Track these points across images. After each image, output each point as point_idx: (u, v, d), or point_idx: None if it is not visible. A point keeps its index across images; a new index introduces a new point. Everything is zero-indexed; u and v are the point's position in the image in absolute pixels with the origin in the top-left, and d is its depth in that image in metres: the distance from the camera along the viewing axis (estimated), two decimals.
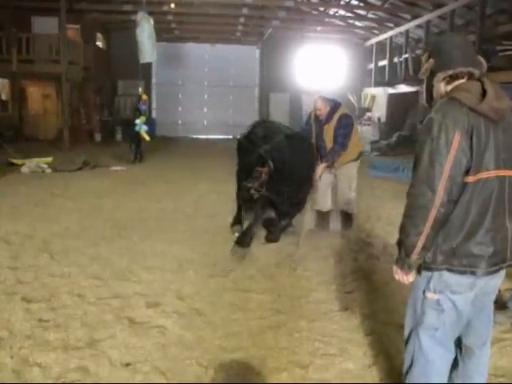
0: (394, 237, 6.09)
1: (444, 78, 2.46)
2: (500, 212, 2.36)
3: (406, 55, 19.43)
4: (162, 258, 5.62)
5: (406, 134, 18.96)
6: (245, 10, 19.20)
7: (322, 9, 22.51)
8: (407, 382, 2.67)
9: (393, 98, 20.28)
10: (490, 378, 3.29)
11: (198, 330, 3.84)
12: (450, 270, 2.38)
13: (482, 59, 2.53)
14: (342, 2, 20.67)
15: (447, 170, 2.26)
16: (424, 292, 2.51)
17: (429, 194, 2.29)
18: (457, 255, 2.35)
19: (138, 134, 13.75)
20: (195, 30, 23.49)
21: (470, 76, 2.44)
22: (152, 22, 11.98)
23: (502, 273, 2.48)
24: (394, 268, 2.53)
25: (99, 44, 22.82)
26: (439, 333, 2.51)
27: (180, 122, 25.57)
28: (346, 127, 6.37)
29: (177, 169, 13.09)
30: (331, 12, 22.34)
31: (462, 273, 2.37)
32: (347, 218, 6.81)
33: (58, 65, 17.00)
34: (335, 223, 6.83)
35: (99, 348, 3.52)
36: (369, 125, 20.81)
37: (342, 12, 21.99)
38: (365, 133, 19.12)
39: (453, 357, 2.61)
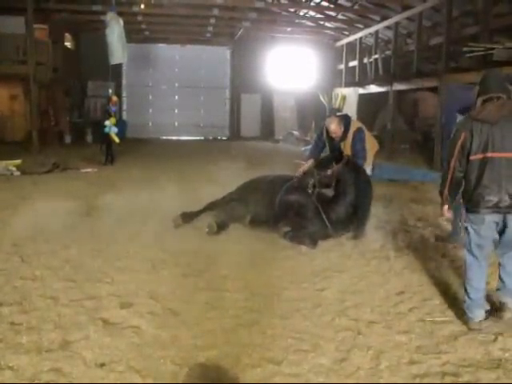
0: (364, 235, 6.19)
1: (482, 100, 3.99)
2: (494, 177, 3.81)
3: (376, 56, 19.67)
4: (135, 259, 5.62)
5: (375, 134, 19.18)
6: (215, 11, 19.17)
7: (292, 10, 22.63)
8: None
9: (363, 99, 20.51)
10: (458, 369, 3.40)
11: (172, 330, 3.87)
12: (468, 210, 4.01)
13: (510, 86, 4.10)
14: (312, 4, 20.83)
15: (456, 154, 3.94)
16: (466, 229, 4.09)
17: (447, 167, 4.02)
18: (470, 202, 3.95)
19: (107, 135, 13.64)
20: (165, 30, 23.37)
21: (499, 98, 3.91)
22: (122, 22, 11.92)
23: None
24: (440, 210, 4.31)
25: (68, 44, 22.50)
26: (472, 250, 4.03)
27: (151, 123, 25.39)
28: (361, 141, 6.75)
29: (148, 170, 13.02)
30: (301, 13, 22.50)
31: (473, 212, 3.95)
32: None
33: (26, 65, 16.71)
34: None
35: (73, 349, 3.53)
36: None
37: (312, 13, 22.17)
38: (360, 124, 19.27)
39: (484, 265, 4.07)
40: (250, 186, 7.33)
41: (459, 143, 3.91)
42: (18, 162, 12.61)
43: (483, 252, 4.02)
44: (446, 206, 4.19)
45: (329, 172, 6.51)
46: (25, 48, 16.78)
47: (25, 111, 19.14)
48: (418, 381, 3.27)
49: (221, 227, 6.71)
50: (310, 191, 6.42)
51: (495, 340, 3.80)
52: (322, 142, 7.12)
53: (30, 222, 7.19)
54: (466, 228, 4.05)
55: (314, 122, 22.28)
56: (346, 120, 6.86)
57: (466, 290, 4.09)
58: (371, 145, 7.08)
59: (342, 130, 6.75)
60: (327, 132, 6.90)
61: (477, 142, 3.84)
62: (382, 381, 3.27)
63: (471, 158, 3.88)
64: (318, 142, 7.18)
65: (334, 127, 6.75)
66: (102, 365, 3.34)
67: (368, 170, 7.20)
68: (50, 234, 6.62)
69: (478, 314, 4.00)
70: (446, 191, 4.09)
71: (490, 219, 3.90)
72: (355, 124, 6.95)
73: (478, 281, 4.06)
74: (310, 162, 6.97)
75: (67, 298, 4.42)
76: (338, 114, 7.20)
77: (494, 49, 11.35)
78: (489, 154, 3.82)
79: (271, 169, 11.14)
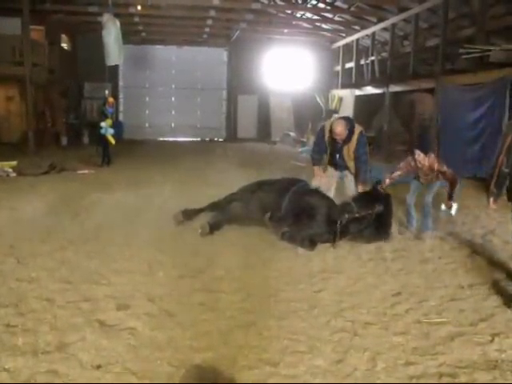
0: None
1: None
2: None
3: (373, 57, 19.70)
4: (131, 261, 5.61)
5: (372, 135, 19.21)
6: (212, 13, 19.18)
7: (289, 11, 22.65)
8: None
9: (359, 100, 20.53)
10: (455, 370, 3.41)
11: (169, 331, 3.87)
12: None
13: None
14: (309, 5, 20.84)
15: (504, 152, 4.62)
16: None
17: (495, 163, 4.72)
18: None
19: (104, 137, 13.62)
20: (162, 32, 23.36)
21: None
22: (118, 24, 11.91)
23: None
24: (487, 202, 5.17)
25: (64, 46, 22.46)
26: None
27: (147, 124, 25.37)
28: (364, 145, 6.88)
29: (145, 171, 13.01)
30: (298, 15, 22.52)
31: None
32: None
33: (22, 67, 16.67)
34: None
35: (69, 351, 3.52)
36: None
37: (308, 15, 22.19)
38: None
39: None
40: (253, 188, 7.33)
41: (507, 143, 4.62)
42: (14, 163, 12.57)
43: None
44: (491, 199, 4.95)
45: (369, 212, 6.43)
46: (21, 49, 16.73)
47: (21, 112, 19.09)
48: (414, 382, 3.28)
49: (213, 228, 6.74)
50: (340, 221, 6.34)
51: (492, 341, 3.81)
52: (323, 144, 7.11)
53: (27, 224, 7.19)
54: None
55: (311, 123, 22.30)
56: (351, 123, 6.88)
57: None
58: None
59: (347, 133, 6.77)
60: (329, 134, 6.90)
61: None
62: (378, 382, 3.28)
63: None
64: (320, 145, 7.17)
65: (341, 129, 6.75)
66: (99, 366, 3.34)
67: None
68: (47, 235, 6.60)
69: None
70: (492, 185, 4.84)
71: None
72: (359, 127, 6.99)
73: None
74: (318, 169, 7.03)
75: (63, 300, 4.41)
76: (338, 116, 7.23)
77: (490, 50, 11.39)
78: None
79: (268, 170, 11.16)
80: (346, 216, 6.29)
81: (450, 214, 6.77)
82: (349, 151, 6.86)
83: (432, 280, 5.26)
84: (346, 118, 7.06)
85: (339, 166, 7.08)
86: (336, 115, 21.99)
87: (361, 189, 6.78)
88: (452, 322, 4.19)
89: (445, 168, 6.54)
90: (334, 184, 7.26)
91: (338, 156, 7.04)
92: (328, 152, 7.15)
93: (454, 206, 6.82)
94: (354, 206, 6.41)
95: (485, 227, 7.50)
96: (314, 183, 6.88)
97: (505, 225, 7.63)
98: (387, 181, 6.65)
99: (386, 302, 4.61)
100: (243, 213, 7.05)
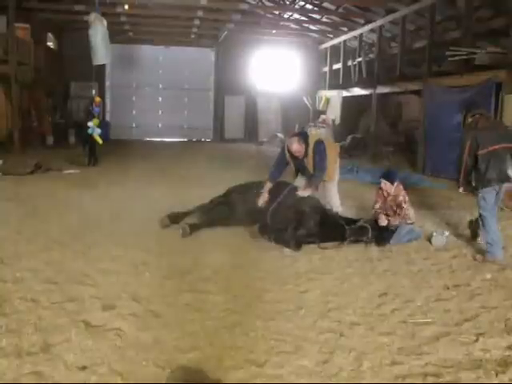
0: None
1: (470, 116, 6.19)
2: (497, 162, 5.78)
3: (360, 59, 19.79)
4: (117, 261, 5.58)
5: (359, 136, 19.31)
6: (200, 13, 19.14)
7: (276, 12, 22.71)
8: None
9: (347, 101, 20.62)
10: (440, 369, 3.43)
11: (155, 332, 3.85)
12: (482, 187, 5.92)
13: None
14: (296, 6, 20.89)
15: (467, 152, 5.90)
16: (479, 196, 6.00)
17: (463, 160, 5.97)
18: (483, 182, 5.87)
19: (91, 136, 13.53)
20: (149, 32, 23.27)
21: (481, 115, 6.16)
22: (105, 23, 11.83)
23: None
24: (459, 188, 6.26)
25: (51, 44, 22.30)
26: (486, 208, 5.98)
27: (134, 124, 25.26)
28: (320, 153, 6.81)
29: (131, 172, 12.94)
30: (286, 15, 22.58)
31: (487, 185, 5.87)
32: None
33: (7, 65, 16.52)
34: None
35: (54, 352, 3.49)
36: (323, 127, 21.04)
37: (296, 16, 22.25)
38: (321, 135, 19.35)
39: (495, 217, 6.09)
40: (240, 190, 7.35)
41: (468, 145, 5.92)
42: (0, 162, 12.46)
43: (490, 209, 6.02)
44: (461, 188, 6.24)
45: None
46: (6, 47, 16.59)
47: (6, 112, 18.88)
48: (400, 381, 3.29)
49: (194, 229, 6.77)
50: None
51: (476, 341, 3.84)
52: (284, 162, 7.11)
53: (12, 224, 7.13)
54: (483, 197, 5.97)
55: (298, 124, 22.34)
56: (304, 136, 6.91)
57: (486, 234, 6.03)
58: (333, 157, 7.14)
59: (304, 146, 6.80)
60: (290, 152, 6.93)
61: (480, 142, 5.86)
62: (364, 382, 3.29)
63: (479, 152, 5.85)
64: (280, 163, 7.14)
65: (296, 147, 6.79)
66: (84, 368, 3.31)
67: (333, 184, 7.33)
68: (31, 235, 6.55)
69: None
70: (461, 177, 6.10)
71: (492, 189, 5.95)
72: (314, 137, 7.02)
73: (494, 225, 6.02)
74: (269, 186, 6.92)
75: (48, 301, 4.37)
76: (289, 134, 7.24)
77: (476, 53, 11.50)
78: (490, 149, 5.82)
79: (256, 171, 11.16)
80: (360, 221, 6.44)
81: (443, 241, 6.65)
82: (309, 162, 6.89)
83: (417, 281, 5.29)
84: (298, 134, 7.07)
85: (307, 177, 7.10)
86: (324, 116, 22.08)
87: (301, 192, 6.73)
88: (437, 322, 4.22)
89: (404, 204, 6.50)
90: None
91: (302, 169, 7.12)
92: (294, 168, 7.23)
93: (446, 233, 6.76)
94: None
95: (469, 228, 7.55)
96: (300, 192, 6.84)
97: None
98: (380, 216, 6.56)
99: (372, 303, 4.63)
100: (230, 216, 7.07)
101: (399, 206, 6.54)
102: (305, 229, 6.45)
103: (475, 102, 7.22)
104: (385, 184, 6.67)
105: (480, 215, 6.09)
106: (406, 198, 6.59)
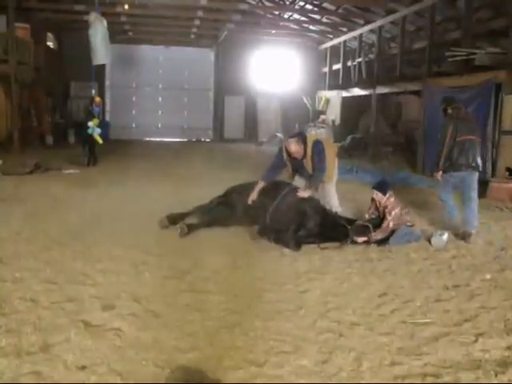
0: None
1: (451, 108, 7.14)
2: (468, 150, 6.78)
3: (360, 59, 19.79)
4: (117, 261, 5.58)
5: (359, 136, 19.30)
6: (200, 13, 19.16)
7: (276, 12, 22.71)
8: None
9: (347, 101, 20.62)
10: (439, 370, 3.43)
11: (154, 332, 3.85)
12: (450, 171, 6.91)
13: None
14: (296, 7, 20.89)
15: (448, 137, 6.81)
16: (445, 178, 7.00)
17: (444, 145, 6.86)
18: (454, 166, 6.85)
19: (90, 136, 13.53)
20: (149, 32, 23.29)
21: (459, 107, 7.19)
22: (105, 23, 11.83)
23: (473, 174, 6.91)
24: (436, 174, 7.08)
25: (50, 44, 22.30)
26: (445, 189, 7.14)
27: (134, 124, 25.25)
28: (318, 154, 6.80)
29: (130, 171, 12.95)
30: (286, 16, 22.57)
31: (456, 170, 6.86)
32: None
33: (7, 65, 16.52)
34: None
35: (53, 352, 3.49)
36: (323, 127, 21.09)
37: (296, 16, 22.24)
38: (319, 135, 19.37)
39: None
40: (238, 190, 7.35)
41: (449, 133, 6.78)
42: None
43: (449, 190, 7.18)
44: (440, 172, 6.95)
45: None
46: (6, 47, 16.58)
47: (5, 111, 18.89)
48: (399, 382, 3.29)
49: (192, 229, 6.79)
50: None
51: (476, 341, 3.84)
52: (281, 163, 7.09)
53: (12, 223, 7.13)
54: (448, 180, 7.03)
55: (298, 124, 22.35)
56: (302, 137, 6.92)
57: (448, 212, 7.27)
58: (331, 158, 7.14)
59: (302, 147, 6.80)
60: (288, 153, 6.92)
61: (457, 130, 6.78)
62: (363, 382, 3.29)
63: (457, 140, 6.75)
64: (277, 164, 7.13)
65: (295, 148, 6.79)
66: (83, 367, 3.31)
67: (332, 184, 7.33)
68: (31, 235, 6.55)
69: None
70: (441, 162, 6.86)
71: (461, 175, 6.93)
72: (311, 137, 7.04)
73: (453, 206, 7.18)
74: (260, 186, 6.90)
75: (48, 301, 4.37)
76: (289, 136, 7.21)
77: (475, 54, 11.49)
78: (463, 138, 6.78)
79: (255, 171, 11.14)
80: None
81: (443, 242, 6.65)
82: (308, 163, 6.90)
83: (417, 281, 5.29)
84: (295, 135, 7.03)
85: (306, 178, 7.09)
86: (323, 116, 22.10)
87: (301, 193, 6.73)
88: (437, 322, 4.22)
89: (389, 216, 6.45)
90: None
91: (301, 170, 7.11)
92: (291, 169, 7.21)
93: (446, 234, 6.75)
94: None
95: None
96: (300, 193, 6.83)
97: (488, 226, 7.72)
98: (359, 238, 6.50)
99: (372, 303, 4.63)
100: (229, 217, 7.08)
101: (385, 216, 6.52)
102: (306, 230, 6.46)
103: (453, 96, 8.02)
104: (376, 195, 6.67)
105: (440, 194, 7.31)
106: (394, 211, 6.49)
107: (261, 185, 6.93)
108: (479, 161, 6.88)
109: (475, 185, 7.00)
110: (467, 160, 6.78)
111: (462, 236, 6.85)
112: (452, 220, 7.21)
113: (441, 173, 6.96)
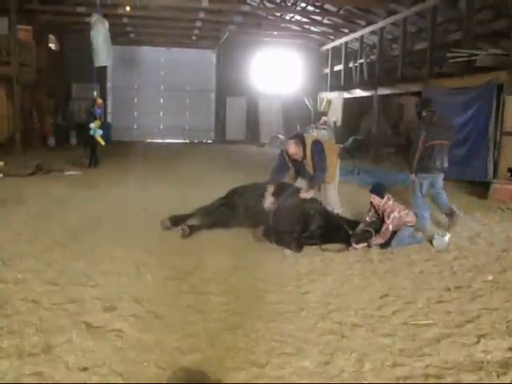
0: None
1: (425, 112, 7.38)
2: (438, 154, 7.14)
3: (361, 60, 19.80)
4: (119, 262, 5.58)
5: (361, 137, 19.31)
6: (201, 14, 19.17)
7: (278, 14, 22.73)
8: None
9: (348, 103, 20.62)
10: (441, 371, 3.43)
11: (156, 333, 3.85)
12: (422, 173, 7.27)
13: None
14: (298, 8, 20.90)
15: (421, 141, 7.10)
16: (416, 181, 7.37)
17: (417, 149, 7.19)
18: (425, 169, 7.23)
19: (92, 138, 13.54)
20: (151, 33, 23.31)
21: (433, 112, 7.35)
22: (107, 24, 11.85)
23: (441, 175, 7.36)
24: (410, 176, 7.44)
25: (52, 46, 22.33)
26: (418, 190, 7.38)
27: (136, 126, 25.26)
28: (318, 153, 6.82)
29: (132, 173, 12.96)
30: (287, 17, 22.57)
31: (427, 172, 7.25)
32: None
33: (9, 66, 16.55)
34: None
35: (55, 353, 3.49)
36: (325, 129, 21.10)
37: (298, 17, 22.24)
38: (321, 137, 19.37)
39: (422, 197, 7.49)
40: (240, 192, 7.36)
41: (422, 137, 7.09)
42: (1, 164, 12.49)
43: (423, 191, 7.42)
44: (414, 174, 7.33)
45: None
46: (8, 49, 16.62)
47: (8, 113, 18.92)
48: (401, 383, 3.29)
49: (193, 230, 6.79)
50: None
51: (477, 342, 3.84)
52: (285, 165, 7.09)
53: (13, 225, 7.14)
54: (420, 183, 7.35)
55: (299, 125, 22.35)
56: (300, 138, 6.91)
57: (417, 210, 7.24)
58: (333, 159, 7.16)
59: (302, 148, 6.80)
60: (288, 155, 6.92)
61: (429, 135, 7.10)
62: (365, 383, 3.29)
63: (428, 144, 7.08)
64: (281, 166, 7.11)
65: (293, 150, 6.80)
66: (85, 369, 3.31)
67: (333, 186, 7.34)
68: (32, 236, 6.56)
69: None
70: (414, 164, 7.22)
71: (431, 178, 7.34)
72: (310, 138, 7.04)
73: (423, 207, 7.42)
74: (271, 190, 6.86)
75: (49, 302, 4.38)
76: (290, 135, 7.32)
77: (477, 55, 11.49)
78: (435, 143, 7.11)
79: (257, 172, 11.15)
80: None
81: (445, 243, 6.64)
82: (308, 164, 6.90)
83: (419, 282, 5.29)
84: (294, 137, 7.02)
85: (307, 179, 7.08)
86: (325, 117, 22.10)
87: (304, 194, 6.70)
88: (438, 323, 4.21)
89: (388, 220, 6.41)
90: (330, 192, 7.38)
91: (302, 171, 7.11)
92: (294, 171, 7.24)
93: (448, 235, 6.73)
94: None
95: (471, 230, 7.56)
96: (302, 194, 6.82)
97: (490, 227, 7.72)
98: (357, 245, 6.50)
99: (373, 304, 4.62)
100: (231, 218, 7.08)
101: (388, 218, 6.49)
102: (308, 231, 6.46)
103: (429, 99, 8.02)
104: (374, 198, 6.63)
105: (414, 195, 7.52)
106: (393, 214, 6.46)
107: (271, 189, 6.88)
108: (446, 164, 7.28)
109: (441, 183, 7.49)
110: (435, 163, 7.18)
111: (450, 215, 7.37)
112: (424, 231, 7.18)
113: (414, 174, 7.35)
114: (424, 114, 7.34)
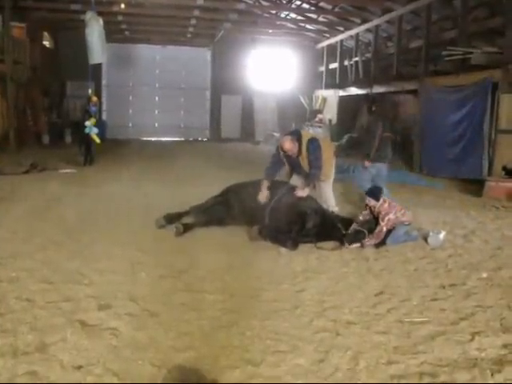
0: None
1: (375, 106, 9.21)
2: (388, 146, 8.29)
3: (356, 58, 19.81)
4: (114, 261, 5.57)
5: (356, 135, 19.29)
6: (196, 12, 19.14)
7: (273, 12, 22.70)
8: None
9: (343, 100, 20.63)
10: (435, 368, 3.44)
11: (151, 331, 3.85)
12: (376, 162, 8.25)
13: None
14: (293, 6, 20.89)
15: (380, 133, 8.11)
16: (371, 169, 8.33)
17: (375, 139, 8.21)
18: (380, 159, 8.26)
19: (87, 136, 13.50)
20: (146, 31, 23.26)
21: (380, 106, 9.45)
22: (101, 22, 11.80)
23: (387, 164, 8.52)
24: (365, 163, 8.33)
25: (46, 43, 22.24)
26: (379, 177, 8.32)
27: (131, 124, 25.21)
28: (314, 151, 6.83)
29: (128, 171, 12.94)
30: (283, 15, 22.57)
31: (381, 161, 8.28)
32: None
33: (3, 64, 16.46)
34: None
35: (50, 352, 3.48)
36: (320, 127, 21.09)
37: (293, 15, 22.25)
38: (316, 134, 19.34)
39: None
40: (235, 190, 7.35)
41: (381, 127, 7.99)
42: None
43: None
44: (369, 162, 8.17)
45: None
46: (2, 46, 16.52)
47: (1, 111, 18.84)
48: (395, 381, 3.29)
49: (187, 228, 6.79)
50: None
51: (472, 340, 3.85)
52: (279, 161, 7.10)
53: (7, 223, 7.11)
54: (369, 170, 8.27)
55: (295, 123, 22.34)
56: (296, 134, 6.92)
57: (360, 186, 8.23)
58: (328, 157, 7.15)
59: (297, 145, 6.80)
60: (283, 151, 6.93)
61: (384, 128, 8.05)
62: (360, 381, 3.29)
63: (383, 136, 8.02)
64: (276, 162, 7.13)
65: (288, 146, 6.79)
66: (80, 367, 3.30)
67: (328, 183, 7.34)
68: (27, 235, 6.54)
69: None
70: (372, 151, 8.05)
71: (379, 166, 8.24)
72: (306, 135, 7.04)
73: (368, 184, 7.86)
74: (266, 184, 6.87)
75: (44, 300, 4.37)
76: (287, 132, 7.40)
77: (472, 53, 11.51)
78: (386, 134, 8.06)
79: (251, 170, 11.13)
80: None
81: (439, 241, 6.63)
82: (304, 160, 6.90)
83: (413, 280, 5.30)
84: (291, 133, 7.05)
85: (303, 176, 7.09)
86: (320, 115, 22.10)
87: (299, 192, 6.69)
88: (433, 321, 4.22)
89: (382, 222, 6.39)
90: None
91: (297, 168, 7.12)
92: (288, 167, 7.23)
93: (442, 233, 6.74)
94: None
95: (465, 227, 7.58)
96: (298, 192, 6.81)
97: (485, 225, 7.75)
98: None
99: (368, 302, 4.63)
100: (226, 216, 7.08)
101: (383, 220, 6.48)
102: (305, 230, 6.46)
103: (374, 96, 9.16)
104: (369, 201, 6.63)
105: (361, 181, 8.36)
106: (388, 217, 6.44)
107: (266, 183, 6.90)
108: (390, 155, 8.40)
109: (385, 172, 8.41)
110: (386, 153, 8.20)
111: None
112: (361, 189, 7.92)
113: (369, 162, 8.21)
114: (374, 108, 8.43)
